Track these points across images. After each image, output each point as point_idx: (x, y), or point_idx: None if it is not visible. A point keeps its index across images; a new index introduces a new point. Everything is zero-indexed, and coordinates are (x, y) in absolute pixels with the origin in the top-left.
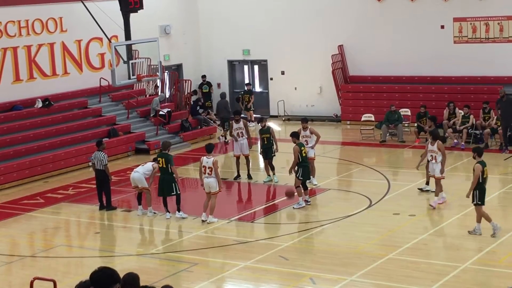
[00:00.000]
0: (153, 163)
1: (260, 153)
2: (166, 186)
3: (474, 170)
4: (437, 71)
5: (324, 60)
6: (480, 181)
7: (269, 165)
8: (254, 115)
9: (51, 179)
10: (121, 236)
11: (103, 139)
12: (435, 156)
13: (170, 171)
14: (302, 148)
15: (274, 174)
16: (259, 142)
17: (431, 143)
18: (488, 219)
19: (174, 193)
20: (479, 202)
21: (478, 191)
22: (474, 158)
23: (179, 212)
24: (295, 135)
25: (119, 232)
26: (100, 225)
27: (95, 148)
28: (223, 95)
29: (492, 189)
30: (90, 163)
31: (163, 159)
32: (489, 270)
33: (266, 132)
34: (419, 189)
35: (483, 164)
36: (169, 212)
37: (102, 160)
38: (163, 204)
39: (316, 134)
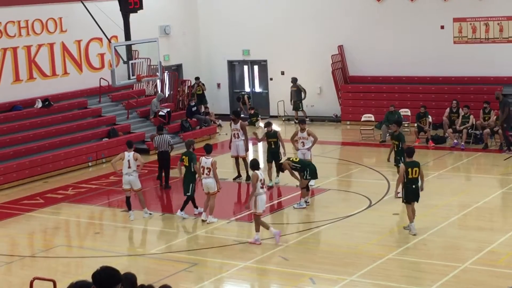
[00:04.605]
0: (129, 154)
1: (267, 157)
2: (185, 185)
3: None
4: (437, 71)
5: (324, 60)
6: (405, 180)
7: (277, 168)
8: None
9: (51, 179)
10: (120, 236)
11: (163, 125)
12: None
13: (192, 169)
14: (291, 158)
15: (277, 176)
16: (260, 143)
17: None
18: (410, 219)
19: (189, 193)
20: (404, 200)
21: (404, 190)
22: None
23: (181, 211)
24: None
25: (119, 232)
26: (100, 226)
27: (94, 149)
28: (294, 80)
29: (492, 189)
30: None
31: (187, 158)
32: (489, 270)
33: (273, 136)
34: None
35: (408, 164)
36: (182, 211)
37: (169, 141)
38: (184, 202)
39: (313, 136)
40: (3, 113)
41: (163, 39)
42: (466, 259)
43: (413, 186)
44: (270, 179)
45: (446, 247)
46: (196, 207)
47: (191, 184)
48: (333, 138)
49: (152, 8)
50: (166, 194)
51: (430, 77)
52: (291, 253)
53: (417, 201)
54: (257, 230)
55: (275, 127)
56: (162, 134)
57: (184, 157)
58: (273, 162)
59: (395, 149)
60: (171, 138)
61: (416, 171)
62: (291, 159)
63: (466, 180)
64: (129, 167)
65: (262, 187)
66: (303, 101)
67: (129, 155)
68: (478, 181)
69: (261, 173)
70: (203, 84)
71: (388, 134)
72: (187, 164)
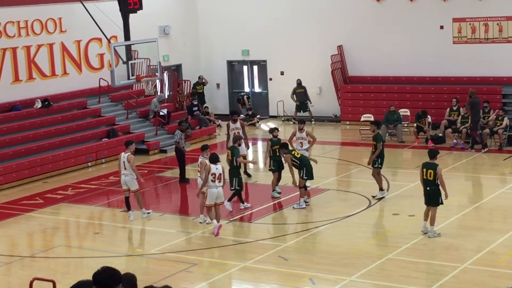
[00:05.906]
0: (124, 155)
1: (271, 165)
2: (230, 180)
3: None
4: (436, 71)
5: (324, 60)
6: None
7: (278, 176)
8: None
9: (50, 180)
10: (120, 237)
11: (183, 121)
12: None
13: (235, 164)
14: (294, 152)
15: (277, 185)
16: (260, 144)
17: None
18: (425, 218)
19: (233, 188)
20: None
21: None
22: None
23: (228, 201)
24: (284, 146)
25: (119, 232)
26: (99, 226)
27: (94, 149)
28: (299, 82)
29: (491, 189)
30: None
31: (230, 152)
32: (488, 271)
33: (278, 143)
34: (373, 196)
35: (424, 165)
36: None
37: (175, 136)
38: (232, 195)
39: (312, 136)
40: (2, 113)
41: (163, 39)
42: (465, 259)
43: (428, 188)
44: (274, 189)
45: (446, 248)
46: (242, 202)
47: (234, 179)
48: (332, 138)
49: (152, 8)
50: (166, 194)
51: (429, 77)
52: (290, 253)
53: (434, 205)
54: (212, 218)
55: (272, 126)
56: (177, 130)
57: (228, 151)
58: (278, 172)
59: (372, 150)
60: (174, 136)
61: (430, 173)
62: (293, 152)
63: (466, 180)
64: (125, 168)
65: (213, 181)
66: (309, 103)
67: (124, 156)
68: (478, 181)
69: (217, 168)
70: (203, 83)
71: (387, 134)
72: (230, 158)
